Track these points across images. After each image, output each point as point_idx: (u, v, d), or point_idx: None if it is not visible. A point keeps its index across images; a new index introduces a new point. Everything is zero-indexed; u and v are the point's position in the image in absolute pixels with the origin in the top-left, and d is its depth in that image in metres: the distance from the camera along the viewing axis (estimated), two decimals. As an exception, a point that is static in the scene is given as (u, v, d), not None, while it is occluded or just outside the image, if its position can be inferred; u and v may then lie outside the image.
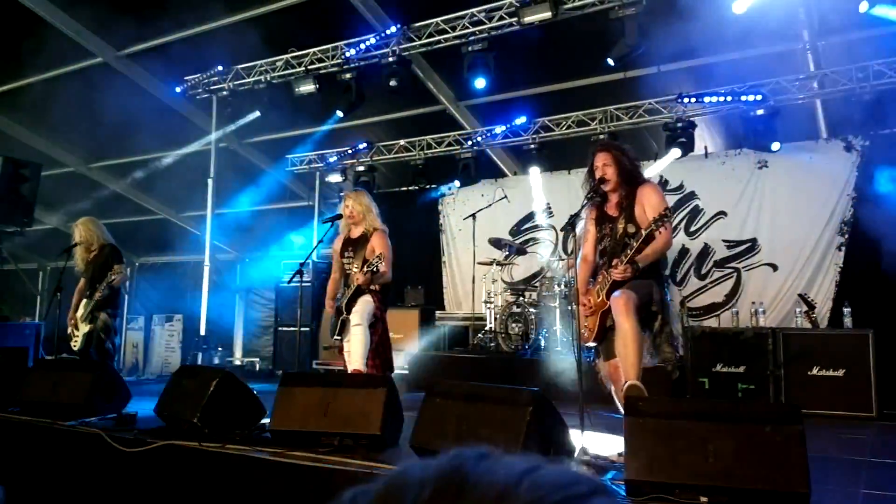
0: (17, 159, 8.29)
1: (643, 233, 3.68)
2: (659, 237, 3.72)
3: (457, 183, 9.41)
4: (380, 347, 5.14)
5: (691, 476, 2.80)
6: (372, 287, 5.10)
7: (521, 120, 8.88)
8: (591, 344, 3.99)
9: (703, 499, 2.77)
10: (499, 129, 9.06)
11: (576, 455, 3.41)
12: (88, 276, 6.21)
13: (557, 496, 0.37)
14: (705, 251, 8.17)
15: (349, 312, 5.08)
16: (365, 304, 5.04)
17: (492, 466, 0.39)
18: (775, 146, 7.51)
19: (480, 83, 7.29)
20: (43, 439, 4.53)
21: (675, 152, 7.75)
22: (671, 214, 3.61)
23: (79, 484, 4.23)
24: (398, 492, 0.39)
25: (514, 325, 7.51)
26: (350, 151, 10.05)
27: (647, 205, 3.78)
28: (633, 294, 3.62)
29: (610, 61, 6.58)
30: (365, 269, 4.93)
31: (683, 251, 8.22)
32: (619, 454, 3.38)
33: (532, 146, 8.91)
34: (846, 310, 6.29)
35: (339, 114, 8.24)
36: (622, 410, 3.18)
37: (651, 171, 7.91)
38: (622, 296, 3.62)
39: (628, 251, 3.72)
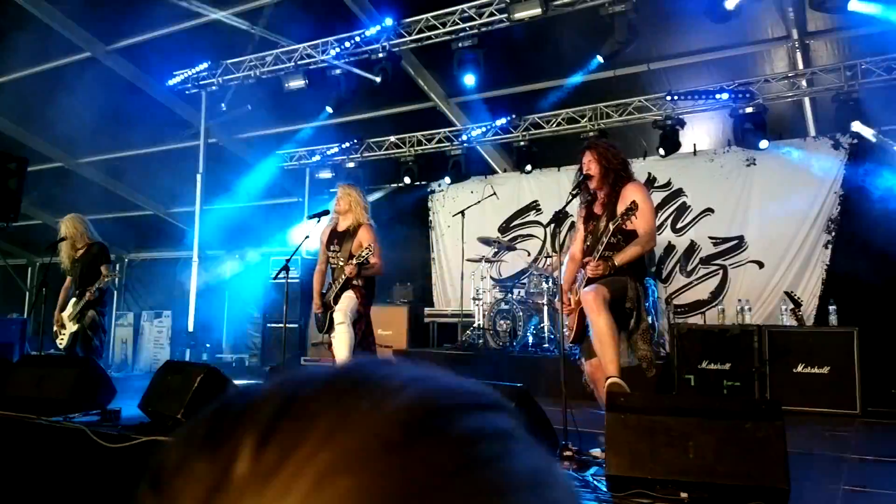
0: (3, 153, 8.23)
1: (610, 227, 3.69)
2: (640, 234, 3.72)
3: (447, 179, 9.40)
4: (363, 342, 5.13)
5: (672, 472, 2.81)
6: (355, 282, 5.08)
7: (508, 119, 8.88)
8: (571, 344, 3.99)
9: (684, 494, 2.78)
10: (489, 125, 9.05)
11: (558, 451, 3.42)
12: (76, 274, 6.10)
13: (447, 401, 0.35)
14: (691, 248, 8.19)
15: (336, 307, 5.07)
16: (348, 301, 5.02)
17: (396, 370, 0.37)
18: (764, 144, 7.54)
19: (470, 80, 7.28)
20: (26, 435, 4.50)
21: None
22: (635, 208, 3.56)
23: (62, 480, 4.21)
24: (293, 386, 0.36)
25: (502, 321, 7.52)
26: (340, 147, 10.02)
27: (629, 202, 3.78)
28: (602, 288, 3.61)
29: (600, 58, 6.60)
30: (354, 260, 4.91)
31: (669, 248, 8.24)
32: (602, 450, 3.39)
33: (522, 143, 8.91)
34: (832, 307, 6.32)
35: (329, 110, 8.21)
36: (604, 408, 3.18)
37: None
38: (591, 291, 3.61)
39: (599, 247, 3.74)
